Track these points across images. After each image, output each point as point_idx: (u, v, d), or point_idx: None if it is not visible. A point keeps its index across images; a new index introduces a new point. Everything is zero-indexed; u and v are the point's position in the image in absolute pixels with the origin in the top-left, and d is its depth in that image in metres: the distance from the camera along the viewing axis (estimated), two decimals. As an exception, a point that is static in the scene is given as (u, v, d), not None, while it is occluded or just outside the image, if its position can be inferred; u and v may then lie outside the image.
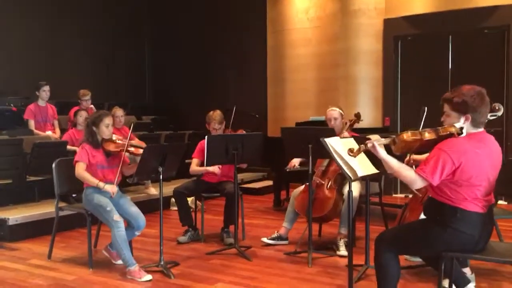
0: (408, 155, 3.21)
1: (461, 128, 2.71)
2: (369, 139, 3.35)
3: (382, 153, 2.78)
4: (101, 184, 3.97)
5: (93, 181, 3.98)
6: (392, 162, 2.78)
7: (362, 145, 2.80)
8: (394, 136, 2.79)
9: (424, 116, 3.88)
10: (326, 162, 4.57)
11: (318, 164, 4.64)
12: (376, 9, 7.80)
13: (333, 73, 8.12)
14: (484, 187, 2.72)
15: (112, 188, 4.00)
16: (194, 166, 4.93)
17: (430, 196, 2.89)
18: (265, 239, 4.80)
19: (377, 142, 2.77)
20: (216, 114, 4.99)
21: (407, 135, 2.74)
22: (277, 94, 8.83)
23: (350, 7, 7.90)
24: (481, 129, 2.79)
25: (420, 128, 3.82)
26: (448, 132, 2.72)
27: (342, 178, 4.44)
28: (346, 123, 4.66)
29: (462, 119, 2.72)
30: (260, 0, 8.92)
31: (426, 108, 3.90)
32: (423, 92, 7.37)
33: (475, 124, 2.74)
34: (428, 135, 2.74)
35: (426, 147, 2.83)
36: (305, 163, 4.45)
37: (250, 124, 8.25)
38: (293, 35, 8.57)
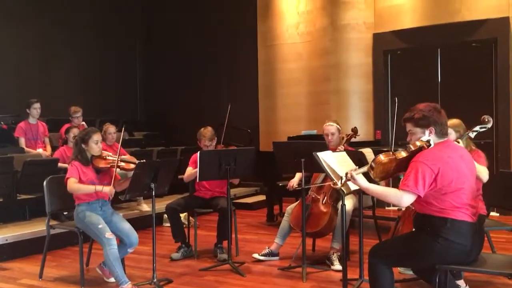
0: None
1: (428, 141, 2.86)
2: (361, 152, 3.38)
3: (361, 182, 2.87)
4: (99, 187, 3.93)
5: (90, 188, 3.93)
6: (373, 187, 2.88)
7: (342, 177, 2.89)
8: (370, 163, 2.87)
9: (396, 107, 3.93)
10: (322, 177, 4.57)
11: (314, 179, 4.64)
12: (366, 24, 7.91)
13: (324, 87, 8.18)
14: (467, 189, 2.79)
15: (111, 190, 3.95)
16: (189, 172, 4.85)
17: (418, 212, 2.91)
18: (256, 255, 4.77)
19: (355, 172, 2.85)
20: (207, 131, 4.98)
21: (382, 158, 2.84)
22: (269, 109, 8.86)
23: (339, 22, 8.00)
24: (446, 138, 2.93)
25: (395, 119, 3.91)
26: (418, 147, 2.86)
27: (337, 193, 4.44)
28: (343, 138, 4.68)
29: (427, 133, 2.88)
30: (251, 15, 8.99)
31: (396, 99, 3.97)
32: (413, 104, 7.41)
33: (439, 135, 2.89)
34: (400, 154, 2.87)
35: (401, 166, 2.92)
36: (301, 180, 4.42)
37: (242, 138, 8.26)
38: (284, 50, 8.64)
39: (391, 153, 2.89)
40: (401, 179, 2.91)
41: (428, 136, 2.87)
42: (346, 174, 2.86)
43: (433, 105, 2.94)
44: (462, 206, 2.76)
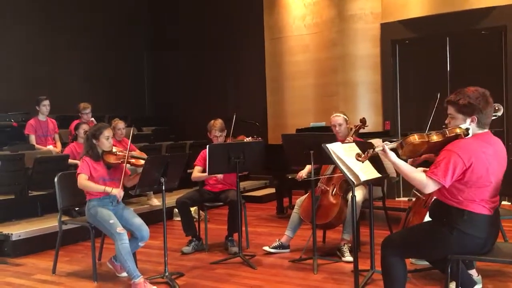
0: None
1: (467, 129, 2.73)
2: (371, 144, 3.36)
3: (393, 156, 2.78)
4: (108, 189, 3.95)
5: (99, 187, 3.96)
6: (403, 165, 2.79)
7: (370, 149, 2.80)
8: (401, 140, 2.80)
9: (437, 103, 3.86)
10: (331, 168, 4.57)
11: (323, 171, 4.63)
12: (373, 14, 7.85)
13: (332, 78, 8.15)
14: (492, 187, 2.73)
15: (119, 192, 3.98)
16: (196, 173, 4.92)
17: (437, 198, 2.88)
18: (266, 248, 4.78)
19: (387, 146, 2.77)
20: (217, 122, 5.01)
21: (414, 138, 2.75)
22: (277, 102, 8.85)
23: (346, 12, 7.95)
24: (486, 130, 2.81)
25: (431, 116, 3.84)
26: (455, 134, 2.74)
27: (347, 185, 4.43)
28: (351, 129, 4.67)
29: (468, 121, 2.75)
30: (257, 8, 8.96)
31: (439, 94, 3.88)
32: (423, 94, 7.38)
33: (480, 125, 2.76)
34: (435, 138, 2.76)
35: (432, 149, 2.84)
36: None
37: (250, 132, 8.24)
38: (291, 42, 8.61)
39: (424, 135, 2.77)
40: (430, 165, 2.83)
41: (468, 124, 2.74)
42: (376, 147, 2.79)
43: (482, 92, 2.76)
44: (482, 201, 2.71)
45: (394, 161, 2.78)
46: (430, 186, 2.71)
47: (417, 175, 2.75)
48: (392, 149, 2.81)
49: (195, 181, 5.03)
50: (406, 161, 2.92)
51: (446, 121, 2.87)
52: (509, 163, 2.95)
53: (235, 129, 5.59)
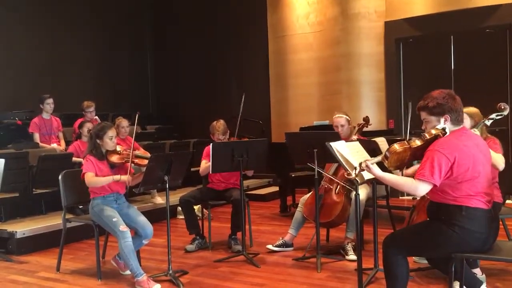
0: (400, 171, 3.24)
1: (444, 129, 2.82)
2: (375, 142, 3.37)
3: (377, 171, 2.85)
4: (116, 177, 3.96)
5: (107, 179, 3.97)
6: (389, 176, 2.86)
7: (356, 167, 2.87)
8: (385, 152, 2.85)
9: (410, 111, 4.03)
10: (334, 167, 4.56)
11: (326, 169, 4.63)
12: (377, 12, 7.83)
13: (335, 77, 8.13)
14: (483, 177, 2.76)
15: (128, 178, 4.00)
16: (204, 165, 4.84)
17: (432, 201, 2.89)
18: (270, 246, 4.78)
19: (369, 162, 2.83)
20: (220, 125, 4.97)
21: (396, 147, 2.82)
22: (280, 100, 8.84)
23: (350, 10, 7.93)
24: (462, 126, 2.89)
25: (409, 122, 4.04)
26: (433, 135, 2.82)
27: (350, 183, 4.42)
28: (354, 127, 4.66)
29: (442, 120, 2.84)
30: (261, 6, 8.95)
31: (411, 103, 4.04)
32: (427, 93, 7.34)
33: (455, 122, 2.85)
34: (415, 143, 2.84)
35: (416, 155, 2.90)
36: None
37: (253, 130, 8.26)
38: (295, 41, 8.60)
39: (405, 142, 2.86)
40: (417, 168, 2.88)
41: (443, 124, 2.82)
42: (360, 164, 2.84)
43: (447, 92, 2.89)
44: (477, 194, 2.74)
45: (380, 175, 2.84)
46: (420, 188, 2.74)
47: (405, 180, 2.82)
48: (379, 162, 2.86)
49: (203, 174, 4.91)
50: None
51: (422, 127, 2.95)
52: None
53: (239, 129, 5.60)
